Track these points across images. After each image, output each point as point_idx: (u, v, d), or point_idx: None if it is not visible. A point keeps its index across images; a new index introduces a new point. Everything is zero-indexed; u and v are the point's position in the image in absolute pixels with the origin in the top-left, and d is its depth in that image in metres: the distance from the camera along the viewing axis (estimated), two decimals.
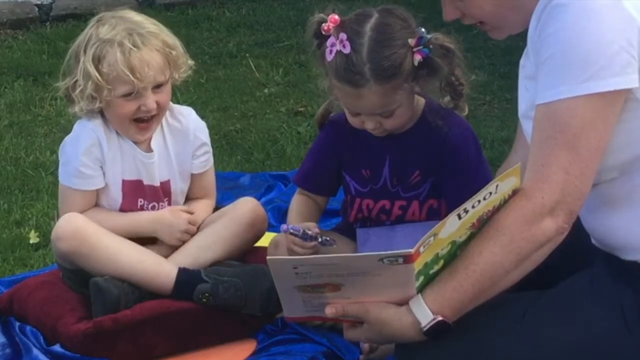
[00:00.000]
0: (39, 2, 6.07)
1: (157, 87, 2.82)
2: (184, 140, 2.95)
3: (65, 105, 4.60)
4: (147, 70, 2.76)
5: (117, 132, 2.88)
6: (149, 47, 2.79)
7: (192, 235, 2.93)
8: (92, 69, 2.76)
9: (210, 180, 3.05)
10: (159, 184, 2.93)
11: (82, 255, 2.79)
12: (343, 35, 2.51)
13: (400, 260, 2.02)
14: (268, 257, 2.13)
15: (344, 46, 2.51)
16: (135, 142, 2.89)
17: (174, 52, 2.84)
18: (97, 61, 2.77)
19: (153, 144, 2.91)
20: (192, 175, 3.00)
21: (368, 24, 2.53)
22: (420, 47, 2.53)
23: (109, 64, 2.76)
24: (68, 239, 2.79)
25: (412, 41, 2.53)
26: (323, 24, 2.55)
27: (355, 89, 2.52)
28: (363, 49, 2.50)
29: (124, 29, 2.79)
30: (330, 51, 2.53)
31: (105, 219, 2.86)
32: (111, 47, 2.77)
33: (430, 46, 2.55)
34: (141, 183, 2.91)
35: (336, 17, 2.54)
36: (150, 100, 2.80)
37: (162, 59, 2.81)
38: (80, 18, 5.94)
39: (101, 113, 2.87)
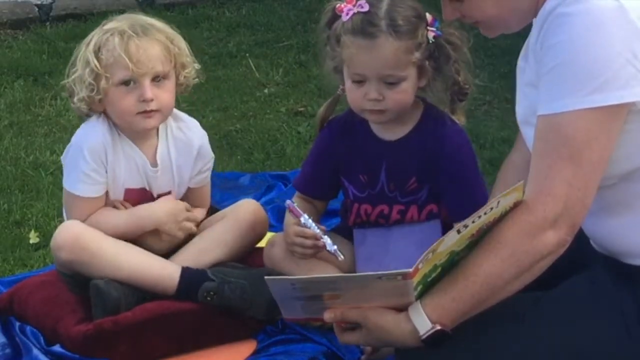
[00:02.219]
0: (39, 2, 6.06)
1: (156, 80, 2.80)
2: (186, 154, 2.93)
3: (65, 105, 4.66)
4: (144, 57, 2.76)
5: (122, 137, 2.85)
6: (149, 37, 2.80)
7: (192, 232, 2.92)
8: (91, 57, 2.77)
9: (206, 191, 3.03)
10: (156, 196, 2.91)
11: (83, 263, 2.77)
12: (362, 1, 2.55)
13: (399, 277, 2.01)
14: (266, 278, 2.12)
15: (361, 7, 2.55)
16: (140, 149, 2.87)
17: (175, 48, 2.83)
18: (98, 49, 2.79)
19: (158, 156, 2.89)
20: (190, 188, 2.98)
21: None
22: (435, 28, 2.58)
23: (108, 49, 2.77)
24: (68, 248, 2.77)
25: (429, 16, 2.58)
26: (337, 5, 2.59)
27: (371, 40, 2.54)
28: (381, 8, 2.55)
29: (128, 21, 2.82)
30: (347, 14, 2.56)
31: (106, 219, 2.84)
32: (112, 35, 2.78)
33: (443, 31, 2.60)
34: (144, 191, 2.90)
35: None
36: (148, 90, 2.77)
37: (162, 51, 2.80)
38: (80, 18, 5.96)
39: (105, 115, 2.86)
